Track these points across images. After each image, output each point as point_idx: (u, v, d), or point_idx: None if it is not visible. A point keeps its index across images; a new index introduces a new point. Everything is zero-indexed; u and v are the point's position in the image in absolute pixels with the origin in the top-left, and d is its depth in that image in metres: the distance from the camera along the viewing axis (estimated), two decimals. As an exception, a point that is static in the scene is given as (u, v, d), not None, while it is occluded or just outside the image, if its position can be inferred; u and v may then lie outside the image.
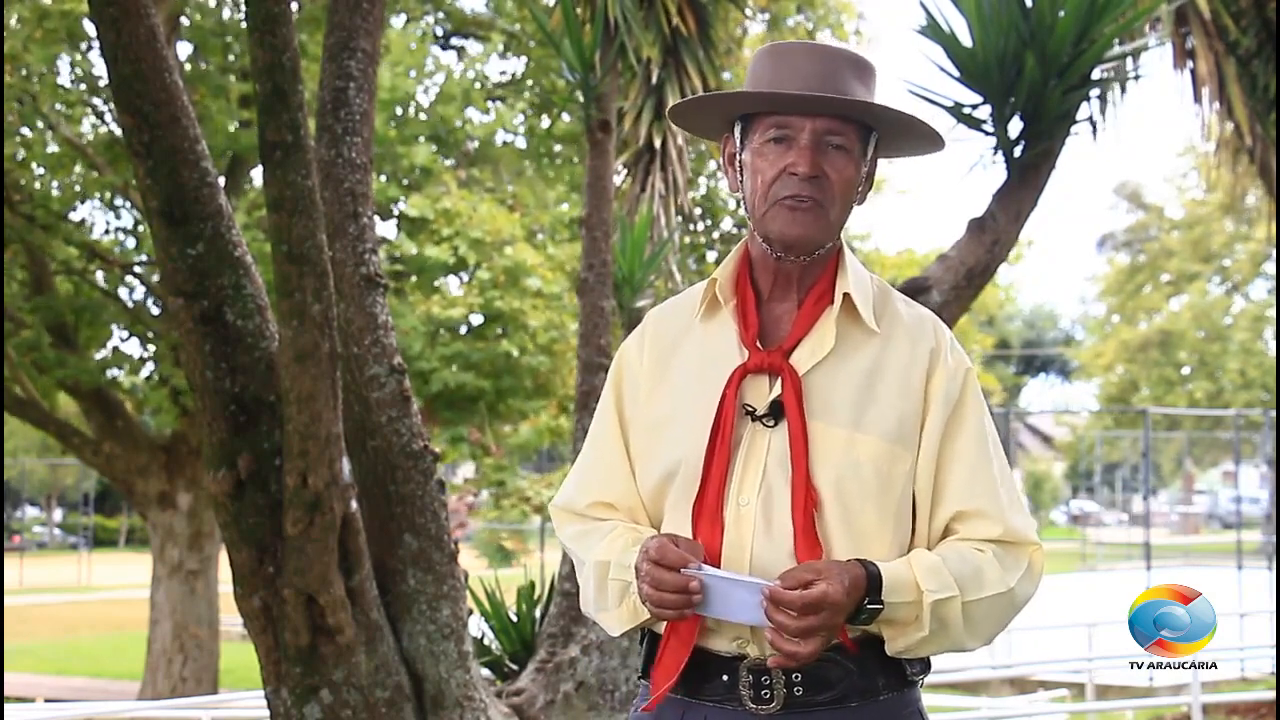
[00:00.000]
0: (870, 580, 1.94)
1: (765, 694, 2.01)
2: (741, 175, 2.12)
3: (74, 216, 12.85)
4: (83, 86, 12.15)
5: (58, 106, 11.78)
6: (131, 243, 12.97)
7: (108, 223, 13.31)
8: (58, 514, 42.10)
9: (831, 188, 2.05)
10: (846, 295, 2.09)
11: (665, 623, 2.05)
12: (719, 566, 2.00)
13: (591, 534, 2.15)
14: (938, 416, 2.07)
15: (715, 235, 13.97)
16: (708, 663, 2.05)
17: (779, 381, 2.05)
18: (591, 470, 2.20)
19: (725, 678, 2.04)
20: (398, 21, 13.53)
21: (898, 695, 2.05)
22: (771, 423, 2.04)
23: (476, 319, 13.35)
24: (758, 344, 2.09)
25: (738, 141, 2.13)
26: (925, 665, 2.09)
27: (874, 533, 2.01)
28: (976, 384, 2.13)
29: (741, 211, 14.01)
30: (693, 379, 2.12)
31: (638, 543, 2.06)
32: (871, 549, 2.00)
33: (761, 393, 2.07)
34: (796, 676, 2.00)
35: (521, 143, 14.00)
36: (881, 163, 2.19)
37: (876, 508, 2.02)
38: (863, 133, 2.09)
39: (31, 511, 40.91)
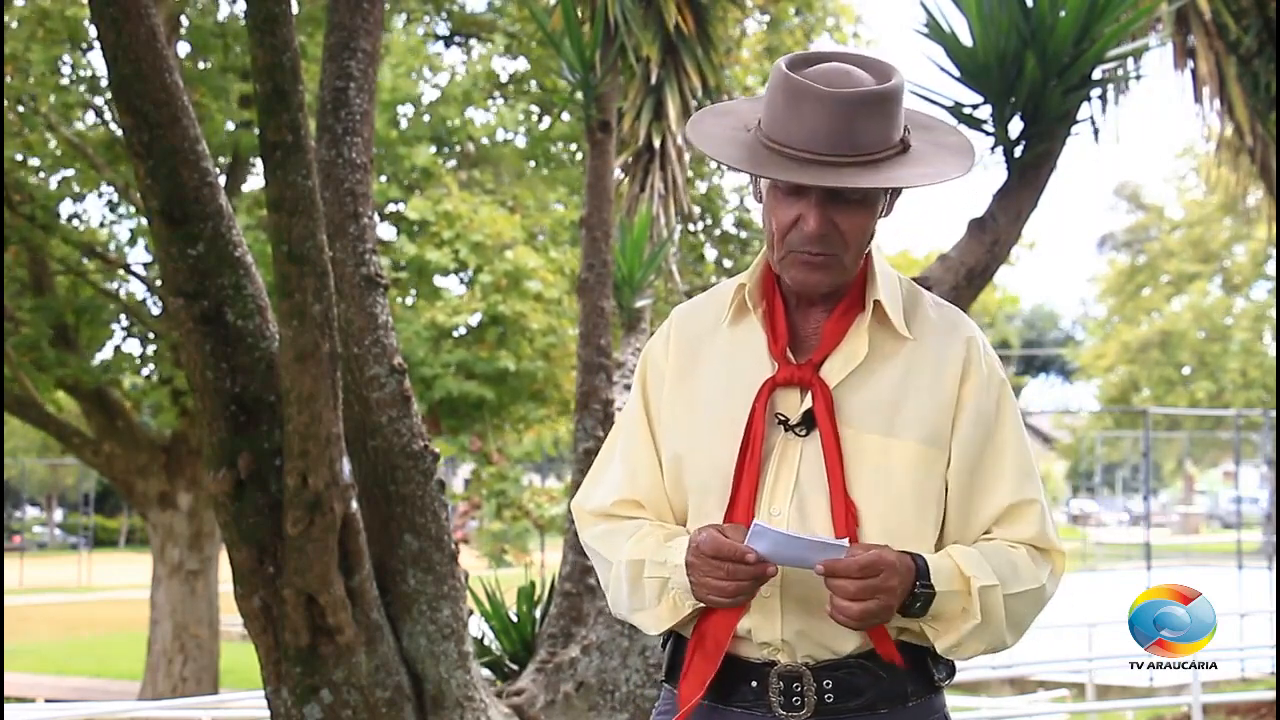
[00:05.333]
0: (918, 567, 1.94)
1: (796, 701, 2.01)
2: (762, 198, 2.08)
3: (73, 214, 12.85)
4: (83, 88, 12.14)
5: (51, 98, 11.76)
6: (129, 238, 12.96)
7: (103, 217, 13.29)
8: (58, 514, 42.11)
9: (844, 239, 2.00)
10: (877, 302, 2.06)
11: (692, 627, 2.04)
12: None
13: (617, 533, 2.12)
14: (971, 427, 2.05)
15: (715, 234, 13.95)
16: (736, 669, 2.03)
17: (809, 395, 2.03)
18: (618, 468, 2.17)
19: (754, 684, 2.03)
20: (398, 21, 13.51)
21: (925, 701, 2.06)
22: (804, 432, 2.02)
23: (475, 320, 13.32)
24: (788, 356, 2.06)
25: None
26: (950, 671, 2.09)
27: (912, 538, 2.00)
28: (1010, 393, 2.11)
29: (745, 209, 14.04)
30: (720, 386, 2.09)
31: (670, 539, 2.04)
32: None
33: (792, 404, 2.04)
34: (828, 683, 2.00)
35: (521, 142, 13.97)
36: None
37: (914, 513, 2.02)
38: None
39: (31, 511, 40.91)
